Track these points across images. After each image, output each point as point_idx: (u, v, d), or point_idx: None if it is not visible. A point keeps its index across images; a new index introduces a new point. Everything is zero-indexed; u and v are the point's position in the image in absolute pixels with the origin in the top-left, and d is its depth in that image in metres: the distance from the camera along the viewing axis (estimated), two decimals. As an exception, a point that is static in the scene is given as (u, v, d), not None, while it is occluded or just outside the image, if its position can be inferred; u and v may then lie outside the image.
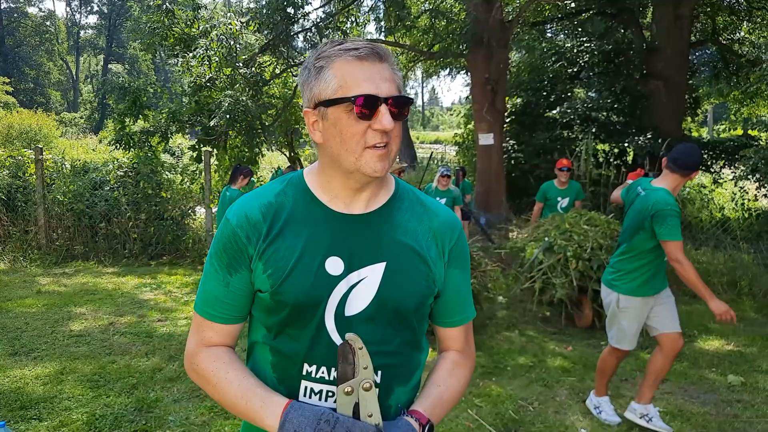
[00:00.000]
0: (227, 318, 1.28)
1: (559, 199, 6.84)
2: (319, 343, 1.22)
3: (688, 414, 4.04)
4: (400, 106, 1.18)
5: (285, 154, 14.86)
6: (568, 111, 12.33)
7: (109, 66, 54.64)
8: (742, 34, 15.09)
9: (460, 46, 11.14)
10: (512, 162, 12.14)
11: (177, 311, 6.28)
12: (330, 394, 1.22)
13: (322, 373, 1.22)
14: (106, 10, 60.63)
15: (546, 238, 6.09)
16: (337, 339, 1.22)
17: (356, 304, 1.22)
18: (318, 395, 1.23)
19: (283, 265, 1.21)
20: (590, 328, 5.86)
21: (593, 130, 11.47)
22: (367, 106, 1.14)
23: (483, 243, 8.88)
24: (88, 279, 7.61)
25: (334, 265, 1.22)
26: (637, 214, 3.56)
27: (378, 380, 1.23)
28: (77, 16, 65.20)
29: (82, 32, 64.06)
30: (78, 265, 8.40)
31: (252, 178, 7.61)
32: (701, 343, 5.65)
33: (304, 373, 1.23)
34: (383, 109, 1.15)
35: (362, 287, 1.22)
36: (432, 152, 17.87)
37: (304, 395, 1.23)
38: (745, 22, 14.53)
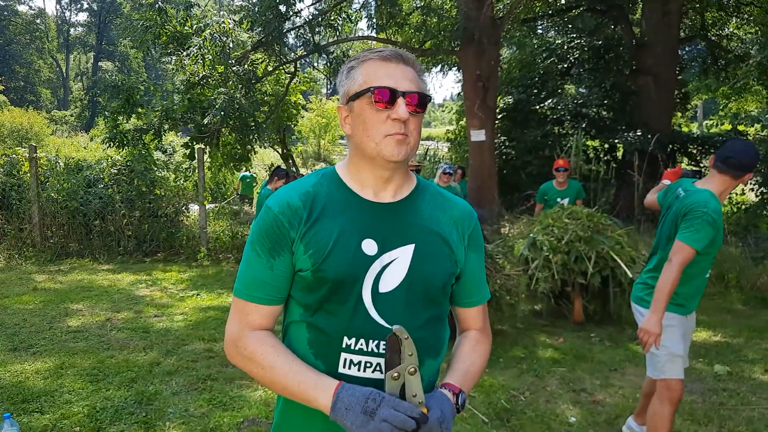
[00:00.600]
0: (272, 299, 1.38)
1: (558, 199, 6.83)
2: (357, 317, 1.33)
3: (675, 402, 4.14)
4: (418, 102, 1.32)
5: (277, 151, 14.90)
6: (559, 107, 12.43)
7: (100, 64, 54.34)
8: (731, 29, 15.22)
9: (452, 43, 11.21)
10: (504, 158, 12.24)
11: (173, 307, 6.34)
12: (368, 364, 1.33)
13: (361, 344, 1.33)
14: (96, 8, 60.27)
15: (531, 234, 6.18)
16: (373, 313, 1.33)
17: (390, 282, 1.35)
18: (357, 366, 1.33)
19: (323, 245, 1.32)
20: (581, 322, 5.96)
21: (583, 126, 11.58)
22: (385, 96, 1.30)
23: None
24: (84, 276, 7.65)
25: (369, 246, 1.34)
26: (672, 219, 3.01)
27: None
28: (67, 13, 64.81)
29: (72, 30, 63.66)
30: (73, 263, 8.44)
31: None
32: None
33: (344, 345, 1.33)
34: (400, 101, 1.30)
35: (394, 267, 1.35)
36: (427, 149, 17.90)
37: (344, 366, 1.33)
38: (733, 18, 14.65)
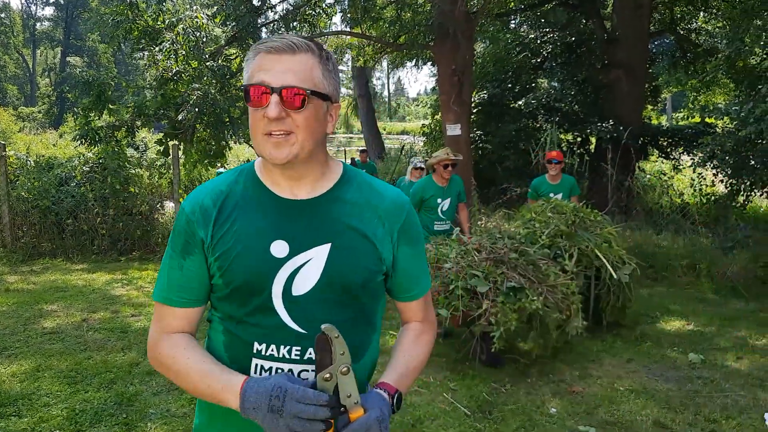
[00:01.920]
0: (185, 301, 1.33)
1: (551, 195, 6.31)
2: (267, 322, 1.28)
3: (652, 391, 4.24)
4: (297, 95, 1.22)
5: (252, 147, 14.79)
6: (533, 101, 12.54)
7: (68, 59, 53.27)
8: (699, 24, 15.50)
9: (426, 38, 11.23)
10: (480, 152, 12.31)
11: (150, 306, 6.27)
12: (279, 371, 1.28)
13: (272, 350, 1.28)
14: (62, 1, 59.00)
15: (512, 229, 5.74)
16: (286, 318, 1.28)
17: (303, 285, 1.28)
18: (269, 372, 1.29)
19: (230, 249, 1.28)
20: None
21: (557, 120, 11.70)
22: (256, 94, 1.22)
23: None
24: (58, 276, 7.52)
25: (279, 248, 1.28)
26: None
27: None
28: (33, 8, 63.36)
29: (38, 24, 62.27)
30: (46, 263, 8.29)
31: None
32: (663, 324, 5.89)
33: (255, 351, 1.29)
34: (272, 99, 1.21)
35: (309, 268, 1.29)
36: (403, 144, 17.91)
37: (255, 372, 1.29)
38: (701, 12, 14.93)
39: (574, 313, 4.49)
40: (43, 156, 10.19)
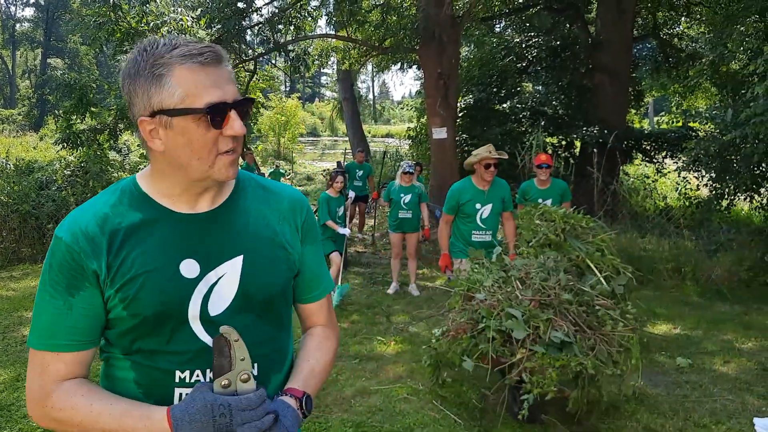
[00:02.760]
0: (77, 344, 1.19)
1: (540, 201, 5.78)
2: (188, 348, 1.19)
3: (641, 396, 4.23)
4: (246, 107, 1.18)
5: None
6: (518, 105, 12.58)
7: (48, 61, 52.66)
8: (682, 29, 15.68)
9: (412, 41, 11.22)
10: (466, 156, 12.31)
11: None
12: None
13: (197, 376, 1.20)
14: (43, 2, 58.31)
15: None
16: (207, 340, 1.19)
17: (220, 303, 1.21)
18: None
19: (134, 277, 1.16)
20: None
21: (542, 124, 11.75)
22: (218, 114, 1.12)
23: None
24: (38, 282, 7.37)
25: (189, 268, 1.19)
26: None
27: (255, 373, 1.23)
28: (12, 8, 62.57)
29: (18, 26, 61.46)
30: (26, 268, 8.14)
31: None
32: (650, 328, 5.90)
33: (177, 380, 1.19)
34: (233, 115, 1.14)
35: (223, 284, 1.21)
36: (387, 147, 17.88)
37: (179, 401, 1.18)
38: (683, 17, 15.11)
39: (632, 368, 3.59)
40: (23, 159, 10.02)
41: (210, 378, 1.19)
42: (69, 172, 9.02)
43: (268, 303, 1.26)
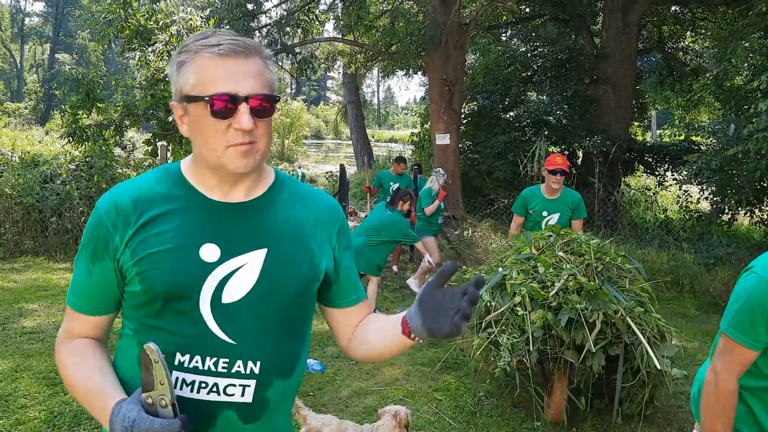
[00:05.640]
0: (90, 309, 1.26)
1: (545, 213, 4.89)
2: (192, 332, 1.19)
3: (634, 405, 4.25)
4: (265, 103, 1.17)
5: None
6: (523, 114, 12.64)
7: (57, 56, 52.85)
8: (686, 43, 15.73)
9: (419, 47, 11.29)
10: (468, 162, 12.37)
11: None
12: (203, 384, 1.19)
13: (196, 362, 1.19)
14: (52, -2, 58.56)
15: (499, 268, 4.01)
16: (213, 327, 1.19)
17: (235, 291, 1.20)
18: (190, 386, 1.19)
19: (153, 253, 1.18)
20: (560, 424, 3.85)
21: (545, 133, 11.79)
22: (224, 104, 1.13)
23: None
24: (39, 275, 7.43)
25: (209, 252, 1.19)
26: None
27: (256, 371, 1.22)
28: (22, 3, 62.86)
29: (27, 20, 61.71)
30: (28, 261, 8.18)
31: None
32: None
33: (176, 363, 1.19)
34: (243, 108, 1.13)
35: (242, 274, 1.21)
36: (389, 152, 17.92)
37: (176, 386, 1.18)
38: (688, 32, 15.17)
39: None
40: (29, 152, 10.08)
41: (209, 367, 1.19)
42: (74, 167, 9.07)
43: (284, 300, 1.24)
